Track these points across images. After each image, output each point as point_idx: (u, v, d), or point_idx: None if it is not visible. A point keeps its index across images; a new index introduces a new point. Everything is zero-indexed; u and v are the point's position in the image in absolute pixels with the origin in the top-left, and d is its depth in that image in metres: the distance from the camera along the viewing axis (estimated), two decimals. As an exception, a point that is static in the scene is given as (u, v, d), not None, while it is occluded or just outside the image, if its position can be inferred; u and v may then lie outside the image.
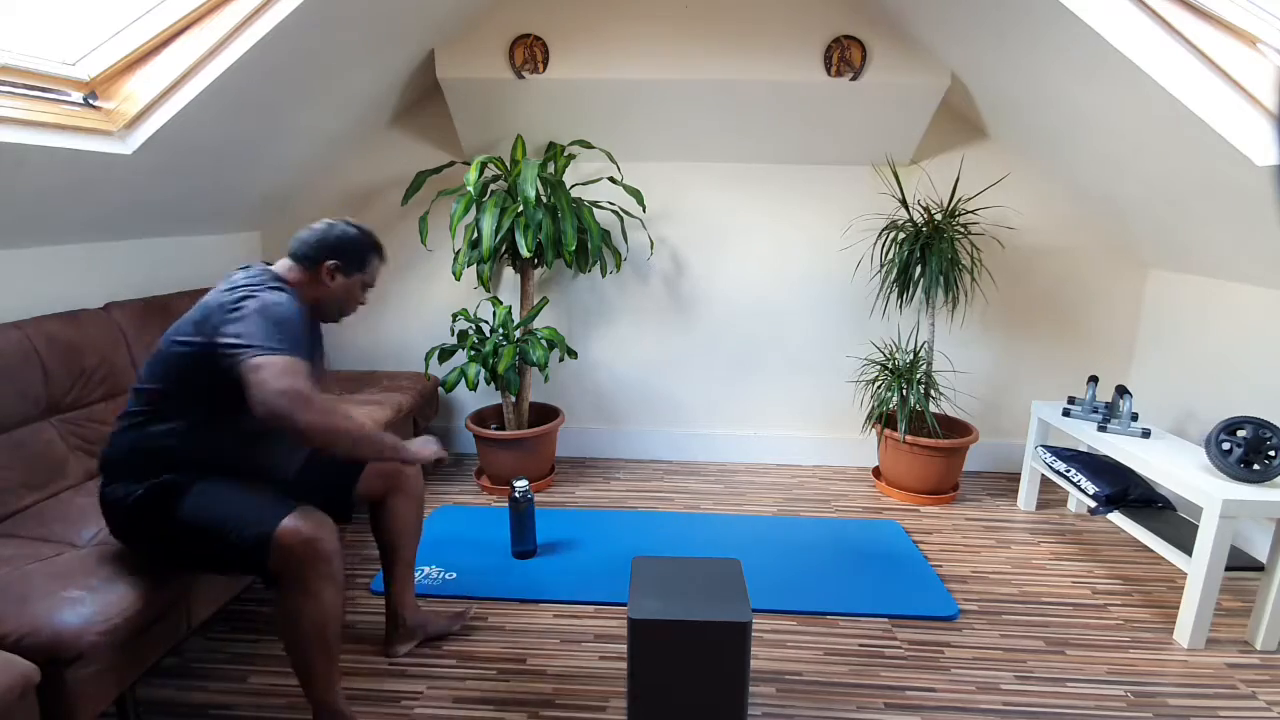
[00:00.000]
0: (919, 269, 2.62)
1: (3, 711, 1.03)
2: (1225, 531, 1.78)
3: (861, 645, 1.86)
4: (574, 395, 3.19)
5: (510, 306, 2.70)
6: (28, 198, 1.76)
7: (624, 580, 1.58)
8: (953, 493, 2.79)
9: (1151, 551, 2.27)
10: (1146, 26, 1.74)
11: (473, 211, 2.57)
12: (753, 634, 1.33)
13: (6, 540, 1.48)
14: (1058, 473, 2.44)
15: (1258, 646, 1.85)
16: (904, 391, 2.68)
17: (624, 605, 1.47)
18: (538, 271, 2.97)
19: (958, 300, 2.67)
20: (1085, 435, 2.36)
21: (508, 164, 2.76)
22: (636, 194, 2.77)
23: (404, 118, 2.99)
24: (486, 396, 3.10)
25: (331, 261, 1.49)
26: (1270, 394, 2.20)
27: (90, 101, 1.81)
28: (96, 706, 1.27)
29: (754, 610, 1.36)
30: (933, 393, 2.76)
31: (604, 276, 3.04)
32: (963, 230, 2.62)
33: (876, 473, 2.96)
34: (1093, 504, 2.23)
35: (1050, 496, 2.79)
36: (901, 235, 2.66)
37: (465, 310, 2.73)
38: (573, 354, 2.85)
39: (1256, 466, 1.85)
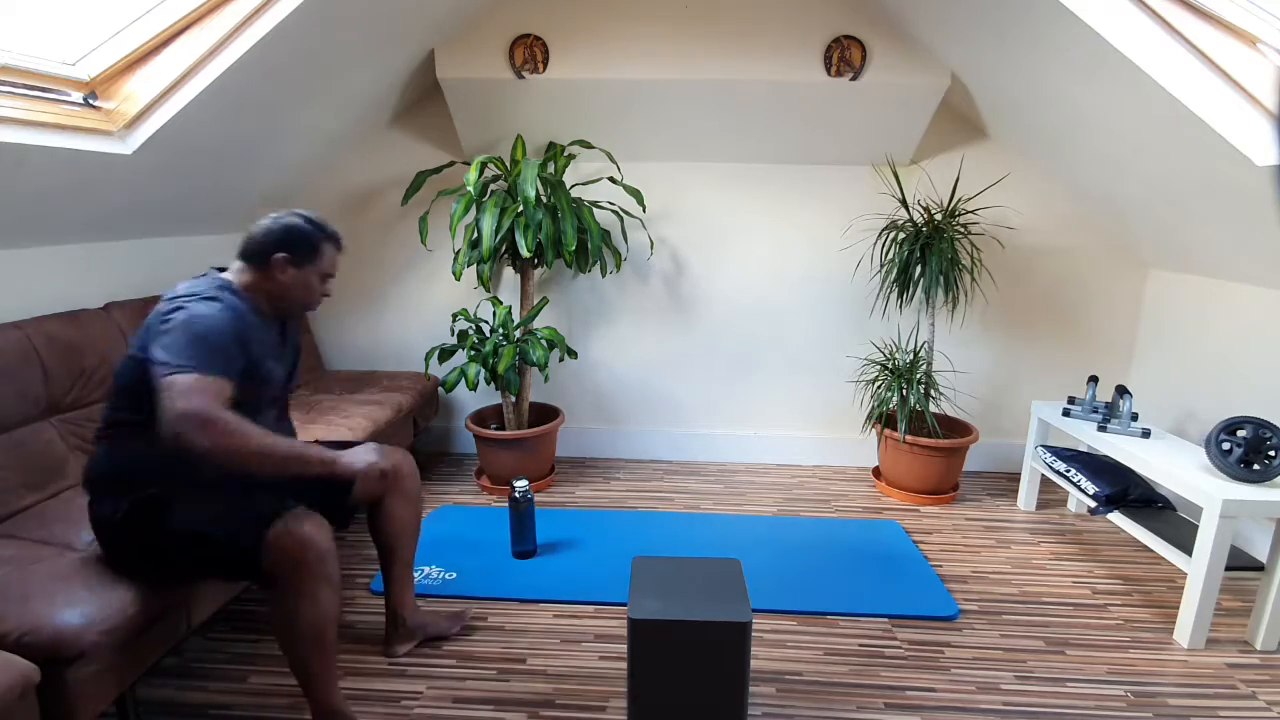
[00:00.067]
0: (919, 269, 2.62)
1: (3, 711, 1.03)
2: (1225, 531, 1.78)
3: (861, 645, 1.86)
4: (574, 395, 3.19)
5: (510, 306, 2.70)
6: (28, 198, 1.76)
7: (624, 580, 1.58)
8: (953, 493, 2.79)
9: (1151, 551, 2.27)
10: (1146, 26, 1.74)
11: (473, 211, 2.57)
12: (753, 634, 1.33)
13: (6, 540, 1.48)
14: (1058, 473, 2.44)
15: (1258, 646, 1.85)
16: (904, 391, 2.68)
17: (624, 605, 1.47)
18: (538, 271, 2.97)
19: (958, 300, 2.67)
20: (1085, 435, 2.36)
21: (508, 164, 2.76)
22: (636, 194, 2.77)
23: (404, 118, 2.99)
24: (486, 396, 3.10)
25: (280, 255, 1.44)
26: (1270, 394, 2.20)
27: (90, 101, 1.81)
28: (96, 706, 1.27)
29: (754, 610, 1.36)
30: (933, 393, 2.76)
31: (604, 276, 3.04)
32: (963, 230, 2.62)
33: (876, 473, 2.96)
34: (1093, 504, 2.23)
35: (1050, 496, 2.79)
36: (901, 235, 2.66)
37: (465, 310, 2.73)
38: (573, 354, 2.85)
39: (1256, 466, 1.85)
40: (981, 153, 2.87)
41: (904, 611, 1.99)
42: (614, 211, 2.84)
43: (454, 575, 2.16)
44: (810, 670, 1.76)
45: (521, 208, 2.49)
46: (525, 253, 2.52)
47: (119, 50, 1.83)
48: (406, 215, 2.98)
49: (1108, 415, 2.39)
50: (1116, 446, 2.21)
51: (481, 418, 2.90)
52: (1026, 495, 2.71)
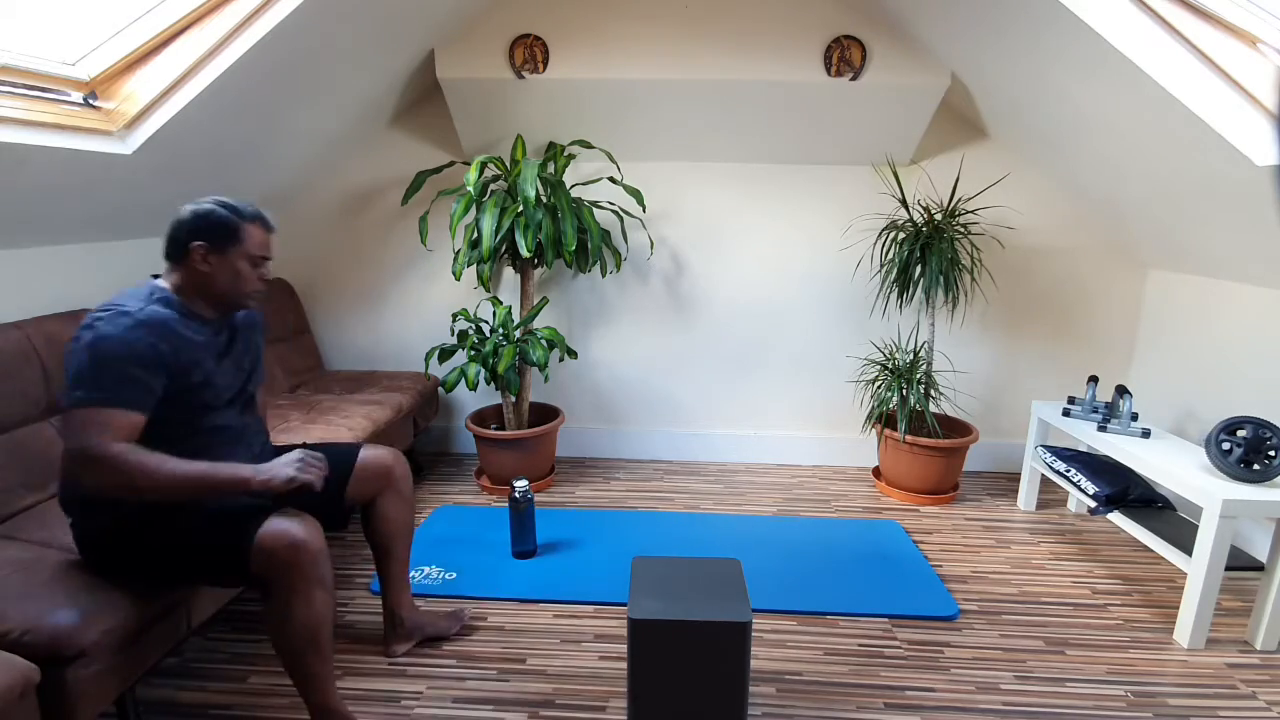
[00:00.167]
0: (919, 269, 2.62)
1: (3, 711, 1.03)
2: (1225, 531, 1.78)
3: (861, 645, 1.86)
4: (574, 395, 3.19)
5: (510, 306, 2.70)
6: (28, 197, 1.76)
7: (624, 580, 1.58)
8: (953, 493, 2.79)
9: (1151, 551, 2.27)
10: (1146, 26, 1.74)
11: (473, 211, 2.57)
12: (753, 634, 1.33)
13: (7, 541, 1.48)
14: (1058, 473, 2.44)
15: (1258, 646, 1.85)
16: (904, 391, 2.68)
17: (624, 605, 1.47)
18: (538, 271, 2.97)
19: (957, 300, 2.67)
20: (1085, 435, 2.36)
21: (508, 164, 2.76)
22: (636, 194, 2.77)
23: (404, 118, 2.99)
24: (486, 396, 3.10)
25: (196, 244, 1.36)
26: (1270, 394, 2.20)
27: (90, 101, 1.81)
28: (96, 706, 1.27)
29: (754, 610, 1.36)
30: (933, 393, 2.76)
31: (604, 276, 3.04)
32: (963, 230, 2.62)
33: (876, 473, 2.96)
34: (1093, 504, 2.23)
35: (1050, 496, 2.79)
36: (901, 235, 2.66)
37: (465, 310, 2.73)
38: (573, 354, 2.85)
39: (1256, 466, 1.85)
40: (981, 153, 2.87)
41: (904, 611, 1.99)
42: (614, 211, 2.84)
43: (454, 575, 2.16)
44: (810, 670, 1.76)
45: (521, 208, 2.49)
46: (525, 253, 2.52)
47: (119, 50, 1.83)
48: (406, 215, 2.98)
49: (1108, 415, 2.39)
50: (1116, 446, 2.21)
51: (481, 418, 2.90)
52: (1026, 495, 2.71)
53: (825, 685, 1.70)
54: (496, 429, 2.79)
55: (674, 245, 3.04)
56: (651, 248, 3.01)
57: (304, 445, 1.68)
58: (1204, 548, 1.81)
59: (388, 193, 3.03)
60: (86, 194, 1.92)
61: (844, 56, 2.55)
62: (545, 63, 2.61)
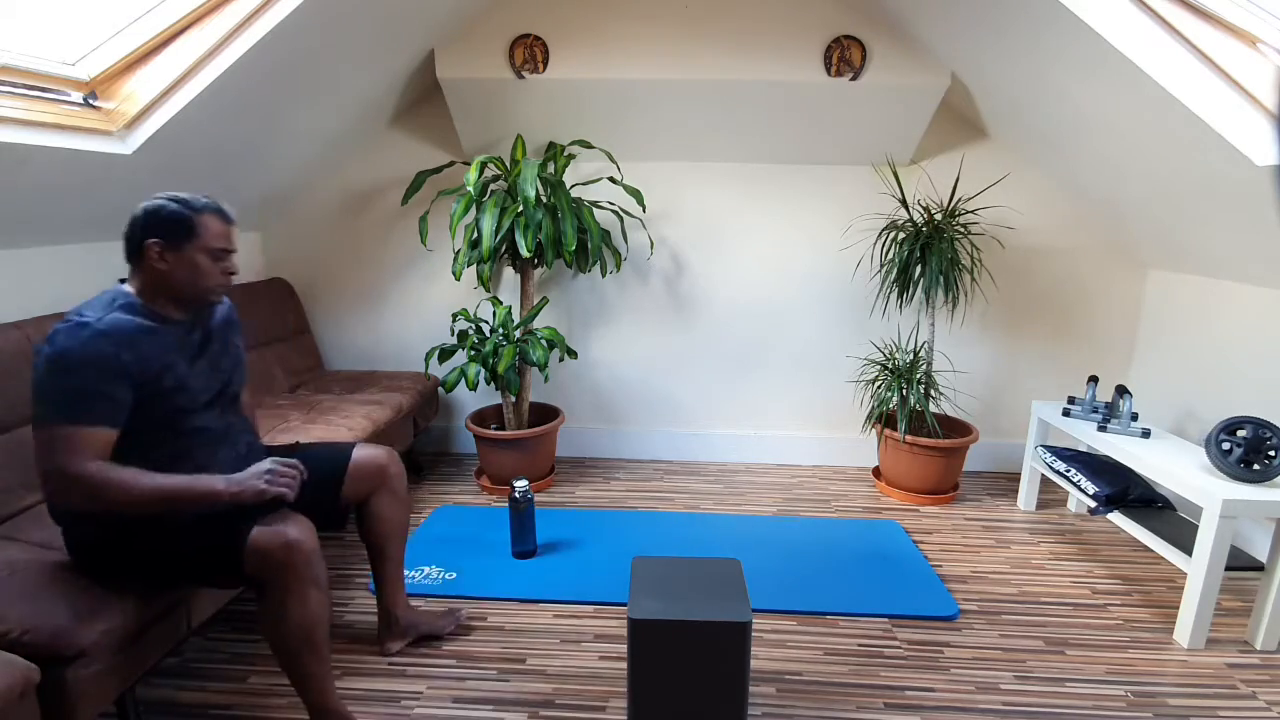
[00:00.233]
0: (919, 269, 2.62)
1: (3, 711, 1.03)
2: (1225, 531, 1.78)
3: (861, 645, 1.86)
4: (574, 395, 3.19)
5: (510, 306, 2.70)
6: (28, 197, 1.76)
7: (624, 580, 1.58)
8: (953, 493, 2.79)
9: (1151, 551, 2.27)
10: (1146, 26, 1.74)
11: (473, 211, 2.57)
12: (753, 634, 1.33)
13: (6, 541, 1.48)
14: (1058, 473, 2.44)
15: (1258, 646, 1.85)
16: (904, 391, 2.68)
17: (624, 605, 1.47)
18: (538, 271, 2.97)
19: (957, 300, 2.67)
20: (1085, 435, 2.36)
21: (508, 164, 2.76)
22: (636, 194, 2.77)
23: (404, 118, 2.99)
24: (486, 396, 3.10)
25: (151, 241, 1.31)
26: (1270, 394, 2.20)
27: (90, 101, 1.81)
28: (97, 706, 1.27)
29: (754, 610, 1.36)
30: (933, 393, 2.76)
31: (604, 276, 3.04)
32: (963, 230, 2.62)
33: (876, 473, 2.96)
34: (1093, 504, 2.23)
35: (1050, 496, 2.79)
36: (901, 235, 2.66)
37: (465, 310, 2.73)
38: (573, 354, 2.85)
39: (1256, 466, 1.85)
40: (981, 153, 2.87)
41: (904, 611, 1.99)
42: (614, 211, 2.84)
43: (454, 575, 2.15)
44: (810, 670, 1.76)
45: (521, 208, 2.49)
46: (525, 253, 2.52)
47: (119, 50, 1.83)
48: (406, 215, 2.98)
49: (1108, 415, 2.39)
50: (1116, 446, 2.21)
51: (481, 418, 2.90)
52: (1026, 495, 2.71)
53: (825, 685, 1.70)
54: (496, 429, 2.79)
55: (674, 245, 3.04)
56: (651, 248, 3.01)
57: (296, 444, 1.68)
58: (1204, 548, 1.81)
59: (388, 193, 3.03)
60: (86, 194, 1.91)
61: (844, 56, 2.55)
62: (545, 63, 2.61)
